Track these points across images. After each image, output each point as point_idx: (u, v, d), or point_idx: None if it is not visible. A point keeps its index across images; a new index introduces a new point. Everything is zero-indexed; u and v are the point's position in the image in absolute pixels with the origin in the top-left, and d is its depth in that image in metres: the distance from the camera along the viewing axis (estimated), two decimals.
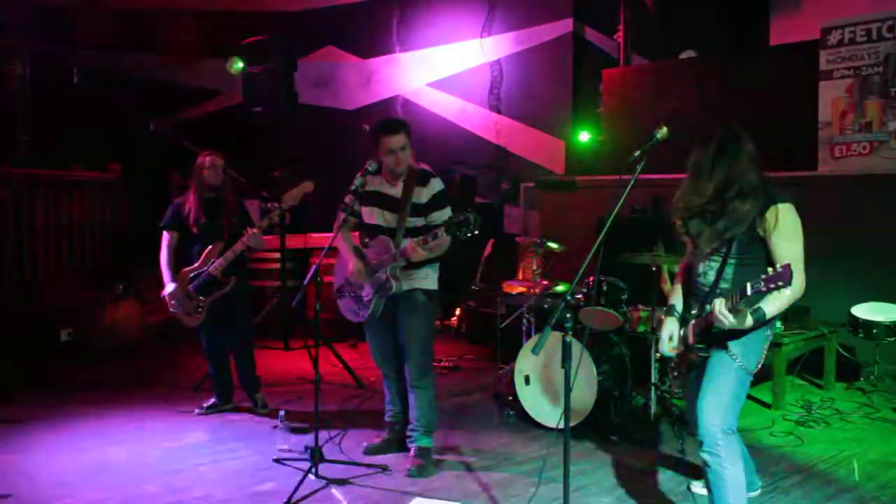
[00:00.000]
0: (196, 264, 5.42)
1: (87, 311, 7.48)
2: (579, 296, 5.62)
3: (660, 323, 3.75)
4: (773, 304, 3.16)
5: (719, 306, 3.11)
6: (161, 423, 5.44)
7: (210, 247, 5.41)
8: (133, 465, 4.64)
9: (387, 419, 4.90)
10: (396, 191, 4.50)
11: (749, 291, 2.97)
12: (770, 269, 2.93)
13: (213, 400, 5.67)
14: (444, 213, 4.43)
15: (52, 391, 6.24)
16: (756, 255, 3.30)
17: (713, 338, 3.36)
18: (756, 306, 3.13)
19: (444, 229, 4.17)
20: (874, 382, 6.15)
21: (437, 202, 4.47)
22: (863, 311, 6.02)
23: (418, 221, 4.46)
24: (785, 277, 2.86)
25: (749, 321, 3.13)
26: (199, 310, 5.40)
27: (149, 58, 11.17)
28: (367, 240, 4.66)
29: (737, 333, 3.29)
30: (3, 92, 9.10)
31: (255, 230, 5.33)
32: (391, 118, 4.72)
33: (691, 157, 3.42)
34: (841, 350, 6.28)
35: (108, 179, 8.65)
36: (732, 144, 3.32)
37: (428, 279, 4.57)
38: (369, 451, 4.76)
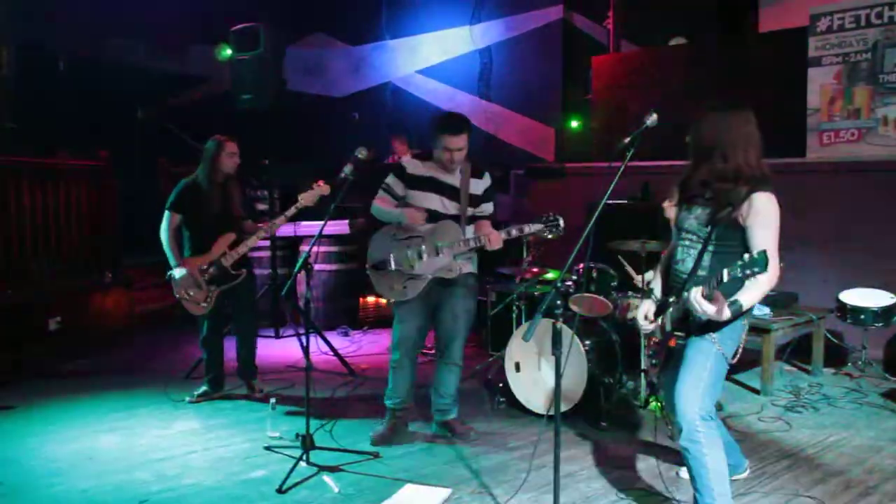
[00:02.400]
0: (208, 255, 5.37)
1: (76, 300, 7.44)
2: (569, 283, 5.64)
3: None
4: (749, 294, 3.15)
5: (695, 294, 3.12)
6: (152, 411, 5.43)
7: (223, 236, 5.39)
8: (124, 453, 4.63)
9: (391, 405, 4.81)
10: (454, 179, 4.64)
11: (725, 278, 2.97)
12: (746, 256, 2.94)
13: (204, 388, 5.67)
14: (491, 206, 4.77)
15: (42, 379, 6.22)
16: (734, 242, 3.30)
17: (691, 326, 3.38)
18: (733, 298, 3.12)
19: (537, 226, 4.46)
20: (862, 368, 6.20)
21: (488, 195, 4.76)
22: (851, 296, 6.06)
23: (470, 211, 4.68)
24: (760, 264, 2.87)
25: (727, 313, 3.13)
26: (208, 299, 5.39)
27: (136, 44, 11.08)
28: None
29: (715, 323, 3.29)
30: None
31: (278, 220, 5.42)
32: (456, 116, 4.63)
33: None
34: (829, 336, 6.32)
35: (96, 167, 8.58)
36: (722, 110, 3.38)
37: (474, 264, 4.82)
38: (379, 442, 4.69)
